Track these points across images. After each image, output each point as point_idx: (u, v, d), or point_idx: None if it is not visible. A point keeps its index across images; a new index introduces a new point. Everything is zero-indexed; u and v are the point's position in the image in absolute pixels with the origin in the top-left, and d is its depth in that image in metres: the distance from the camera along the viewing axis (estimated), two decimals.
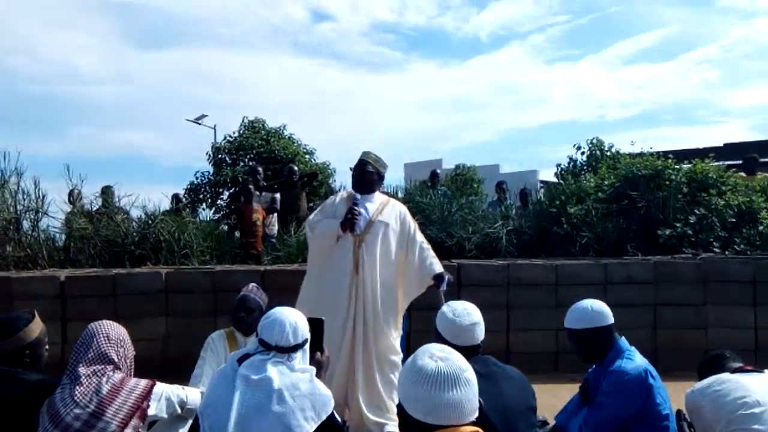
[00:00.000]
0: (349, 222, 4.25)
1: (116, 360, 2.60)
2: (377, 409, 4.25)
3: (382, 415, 4.22)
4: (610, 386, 2.88)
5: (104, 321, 2.70)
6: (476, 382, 1.68)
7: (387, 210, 4.46)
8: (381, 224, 4.37)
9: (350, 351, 4.26)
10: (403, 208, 4.62)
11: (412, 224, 4.56)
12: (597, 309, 3.05)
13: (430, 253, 4.53)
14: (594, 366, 3.17)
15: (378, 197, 4.53)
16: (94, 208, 7.73)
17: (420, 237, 4.56)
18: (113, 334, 2.65)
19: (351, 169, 4.56)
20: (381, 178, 4.59)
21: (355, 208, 4.28)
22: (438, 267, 4.48)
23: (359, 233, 4.30)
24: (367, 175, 4.46)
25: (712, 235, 6.67)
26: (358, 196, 4.38)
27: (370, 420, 4.21)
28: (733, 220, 6.82)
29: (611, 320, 3.03)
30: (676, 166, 7.36)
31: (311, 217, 4.57)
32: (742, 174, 7.75)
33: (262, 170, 10.03)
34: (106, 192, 8.22)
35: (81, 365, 2.54)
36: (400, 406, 1.70)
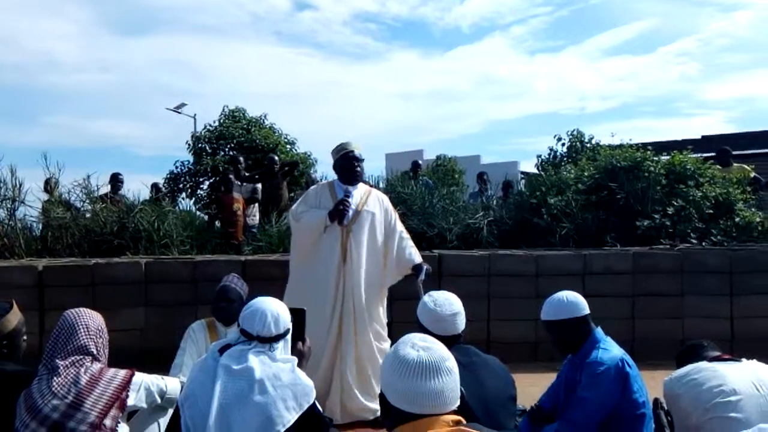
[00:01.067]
0: (339, 212, 4.27)
1: (95, 351, 2.58)
2: (369, 396, 4.31)
3: (375, 402, 4.27)
4: (588, 379, 2.86)
5: (82, 310, 2.67)
6: (458, 371, 1.68)
7: (371, 199, 4.50)
8: (368, 213, 4.42)
9: (337, 340, 4.29)
10: (385, 198, 4.67)
11: (393, 214, 4.61)
12: (572, 300, 3.04)
13: (409, 243, 4.58)
14: (567, 360, 3.18)
15: (361, 186, 4.56)
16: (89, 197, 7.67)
17: (400, 226, 4.60)
18: (92, 324, 2.62)
19: (338, 160, 4.52)
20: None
21: (347, 199, 4.30)
22: (417, 257, 4.53)
23: (346, 223, 4.32)
24: (359, 166, 4.48)
25: (689, 226, 6.74)
26: (351, 188, 4.40)
27: (365, 406, 4.30)
28: (711, 211, 6.90)
29: (587, 310, 3.03)
30: (655, 158, 7.42)
31: (294, 207, 4.57)
32: (718, 166, 7.85)
33: (243, 160, 9.98)
34: (115, 179, 8.48)
35: (59, 356, 2.52)
36: (381, 395, 1.70)
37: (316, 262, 4.36)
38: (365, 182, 4.99)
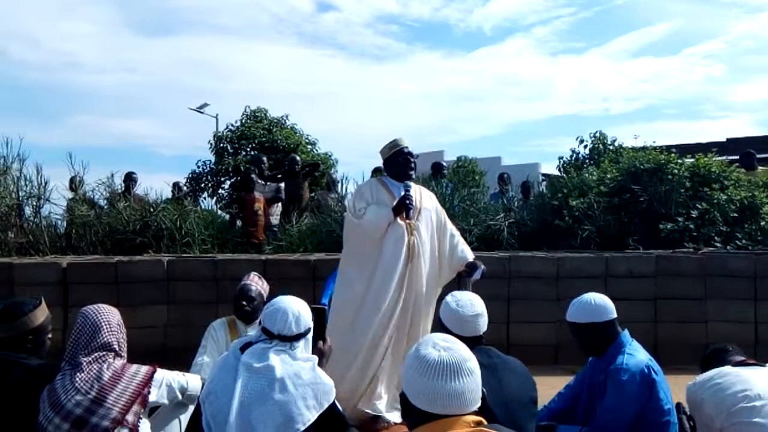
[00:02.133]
0: (403, 207, 4.17)
1: (117, 348, 2.61)
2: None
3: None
4: (613, 386, 2.83)
5: (101, 306, 2.70)
6: (479, 372, 1.67)
7: (425, 197, 4.44)
8: (427, 211, 4.35)
9: (392, 339, 4.20)
10: (433, 196, 4.61)
11: (442, 211, 4.55)
12: (600, 303, 2.99)
13: (461, 240, 4.51)
14: (590, 361, 3.15)
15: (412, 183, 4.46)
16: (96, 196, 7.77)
17: (450, 224, 4.53)
18: (113, 320, 2.66)
19: (391, 157, 4.41)
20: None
21: (409, 194, 4.21)
22: (471, 255, 4.43)
23: (410, 220, 4.23)
24: (414, 162, 4.40)
25: (713, 229, 6.66)
26: (411, 183, 4.31)
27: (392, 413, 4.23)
28: (735, 215, 6.81)
29: (614, 315, 2.99)
30: (679, 161, 7.34)
31: (353, 204, 4.41)
32: (742, 170, 7.74)
33: (266, 159, 10.03)
34: (129, 178, 8.50)
35: (82, 352, 2.55)
36: (402, 395, 1.69)
37: (381, 259, 4.20)
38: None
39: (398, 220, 4.20)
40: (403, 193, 4.22)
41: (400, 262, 4.17)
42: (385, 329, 4.14)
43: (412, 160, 4.39)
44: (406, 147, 4.39)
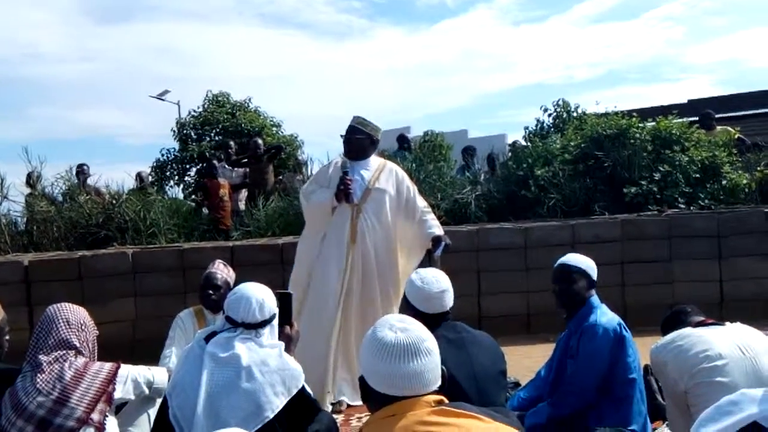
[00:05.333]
0: (342, 192, 4.13)
1: (78, 345, 2.55)
2: None
3: None
4: (588, 342, 2.93)
5: (63, 304, 2.63)
6: (438, 351, 1.66)
7: (384, 176, 4.34)
8: (379, 192, 4.26)
9: (343, 321, 4.18)
10: (401, 172, 4.49)
11: (411, 187, 4.44)
12: (591, 265, 3.20)
13: (430, 216, 4.42)
14: (564, 333, 3.20)
15: (373, 162, 4.39)
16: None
17: (421, 201, 4.45)
18: (73, 318, 2.59)
19: (341, 135, 4.38)
20: (374, 142, 4.41)
21: (347, 177, 4.15)
22: (437, 230, 4.35)
23: (356, 202, 4.18)
24: (357, 141, 4.29)
25: (676, 191, 6.75)
26: (349, 164, 4.24)
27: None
28: (697, 175, 6.90)
29: (594, 278, 3.18)
30: (641, 125, 7.40)
31: (305, 186, 4.43)
32: (702, 130, 7.84)
33: (234, 144, 9.94)
34: (80, 170, 8.26)
35: (42, 352, 2.49)
36: (362, 379, 1.68)
37: (326, 242, 4.22)
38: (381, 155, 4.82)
39: (343, 203, 4.17)
40: (340, 176, 4.17)
41: (342, 244, 4.16)
42: (332, 311, 4.13)
43: (347, 136, 4.31)
44: (351, 124, 4.32)
